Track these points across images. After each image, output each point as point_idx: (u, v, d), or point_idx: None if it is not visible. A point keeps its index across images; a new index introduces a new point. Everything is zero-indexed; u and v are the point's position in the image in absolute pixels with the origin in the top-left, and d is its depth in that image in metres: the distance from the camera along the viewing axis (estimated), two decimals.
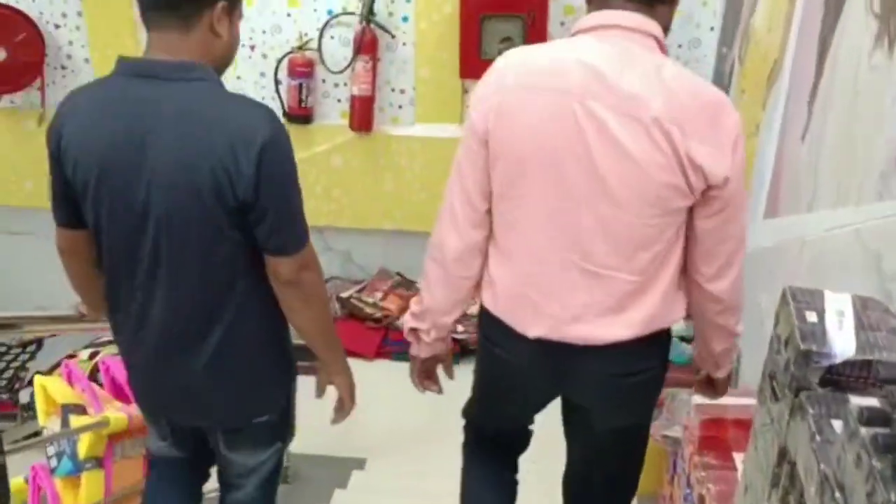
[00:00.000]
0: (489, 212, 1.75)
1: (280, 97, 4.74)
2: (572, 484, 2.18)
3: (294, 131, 5.01)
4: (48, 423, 2.77)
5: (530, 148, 1.61)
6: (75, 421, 2.54)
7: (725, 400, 2.28)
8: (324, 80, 4.78)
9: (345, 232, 5.00)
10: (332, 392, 1.99)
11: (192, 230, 1.64)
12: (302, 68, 4.62)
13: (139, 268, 1.70)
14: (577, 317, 1.70)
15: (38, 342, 5.33)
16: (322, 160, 4.81)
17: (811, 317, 1.16)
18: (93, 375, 4.90)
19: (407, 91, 4.76)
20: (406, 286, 4.95)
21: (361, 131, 4.70)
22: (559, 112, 1.57)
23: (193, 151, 1.58)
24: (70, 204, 1.76)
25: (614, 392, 1.84)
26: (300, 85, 4.64)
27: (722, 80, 4.02)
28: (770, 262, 2.91)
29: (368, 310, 4.73)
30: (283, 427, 1.96)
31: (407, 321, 1.98)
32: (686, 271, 1.74)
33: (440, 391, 2.09)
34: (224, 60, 1.73)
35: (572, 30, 1.66)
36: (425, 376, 2.06)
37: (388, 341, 4.66)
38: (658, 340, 1.79)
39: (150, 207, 1.63)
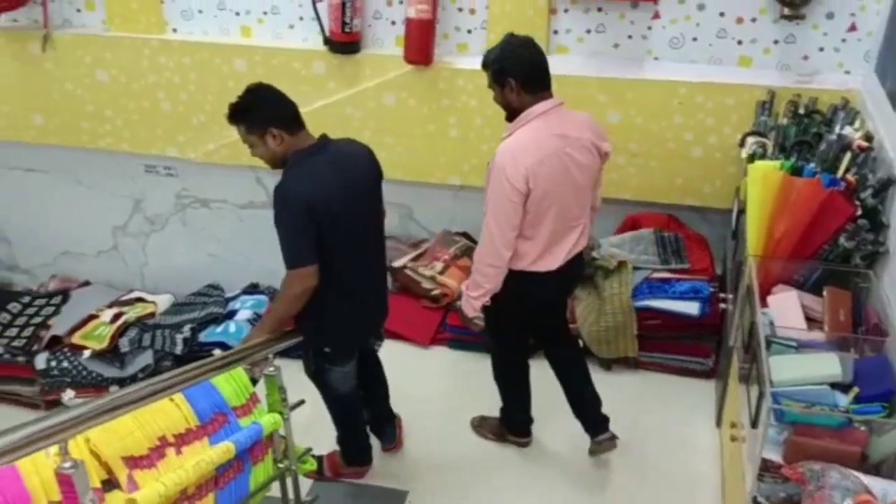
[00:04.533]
0: None
1: (319, 20, 3.82)
2: (551, 337, 3.38)
3: (337, 63, 4.06)
4: None
5: (548, 184, 2.79)
6: None
7: None
8: None
9: (403, 185, 4.14)
10: None
11: (375, 224, 2.89)
12: None
13: (363, 255, 2.82)
14: (570, 250, 2.98)
15: (64, 295, 4.76)
16: (371, 98, 3.91)
17: None
18: (113, 340, 4.34)
19: (478, 11, 3.76)
20: (471, 254, 4.07)
21: (419, 63, 3.75)
22: (557, 162, 2.79)
23: (371, 184, 2.87)
24: (318, 245, 2.66)
25: (577, 277, 3.27)
26: (344, 4, 3.70)
27: None
28: None
29: (425, 284, 3.90)
30: None
31: (469, 305, 2.97)
32: None
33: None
34: None
35: (528, 116, 2.79)
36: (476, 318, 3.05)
37: (446, 326, 3.84)
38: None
39: (364, 220, 2.81)
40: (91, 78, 4.23)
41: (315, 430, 3.31)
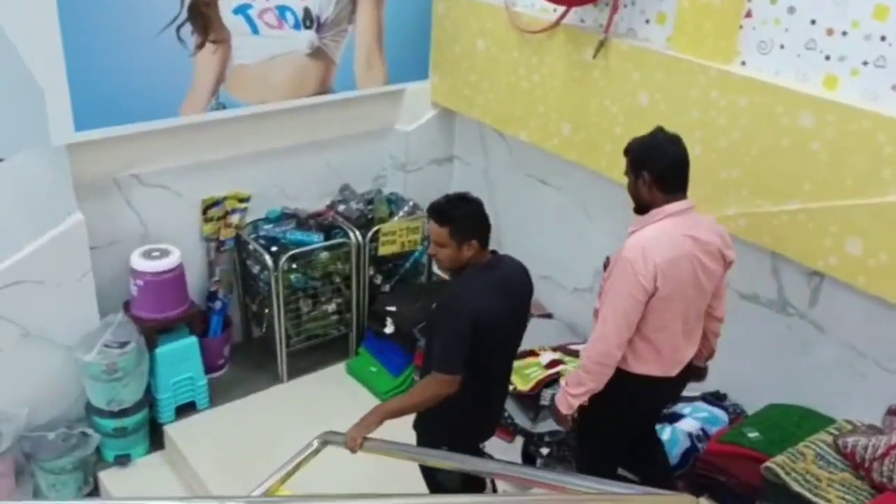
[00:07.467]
0: None
1: None
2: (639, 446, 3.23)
3: None
4: None
5: (676, 286, 2.75)
6: None
7: None
8: None
9: None
10: None
11: (519, 337, 3.00)
12: None
13: (505, 367, 3.03)
14: (686, 356, 2.99)
15: None
16: None
17: None
18: (537, 387, 3.75)
19: None
20: None
21: None
22: (686, 265, 2.75)
23: (527, 302, 3.01)
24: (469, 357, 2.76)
25: (684, 385, 3.19)
26: None
27: None
28: None
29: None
30: None
31: (566, 402, 2.89)
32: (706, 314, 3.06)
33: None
34: None
35: (660, 214, 2.77)
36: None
37: None
38: None
39: (514, 336, 2.96)
40: (632, 98, 3.69)
41: None
